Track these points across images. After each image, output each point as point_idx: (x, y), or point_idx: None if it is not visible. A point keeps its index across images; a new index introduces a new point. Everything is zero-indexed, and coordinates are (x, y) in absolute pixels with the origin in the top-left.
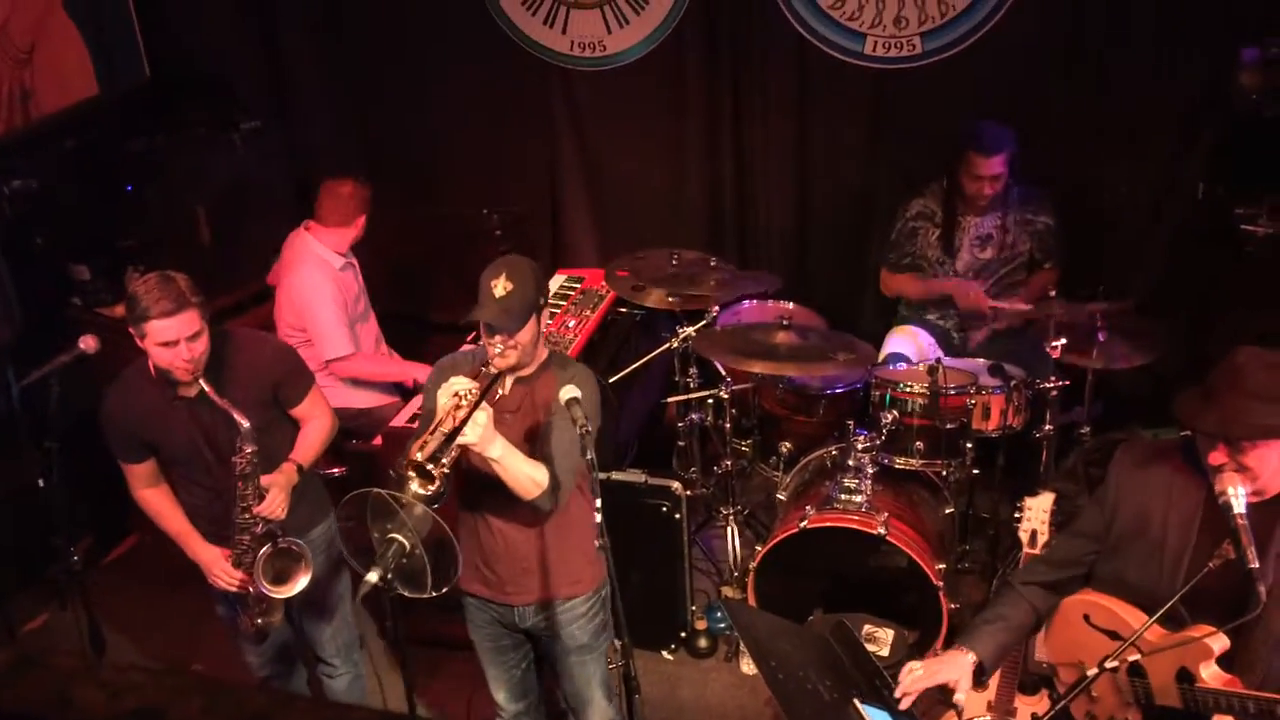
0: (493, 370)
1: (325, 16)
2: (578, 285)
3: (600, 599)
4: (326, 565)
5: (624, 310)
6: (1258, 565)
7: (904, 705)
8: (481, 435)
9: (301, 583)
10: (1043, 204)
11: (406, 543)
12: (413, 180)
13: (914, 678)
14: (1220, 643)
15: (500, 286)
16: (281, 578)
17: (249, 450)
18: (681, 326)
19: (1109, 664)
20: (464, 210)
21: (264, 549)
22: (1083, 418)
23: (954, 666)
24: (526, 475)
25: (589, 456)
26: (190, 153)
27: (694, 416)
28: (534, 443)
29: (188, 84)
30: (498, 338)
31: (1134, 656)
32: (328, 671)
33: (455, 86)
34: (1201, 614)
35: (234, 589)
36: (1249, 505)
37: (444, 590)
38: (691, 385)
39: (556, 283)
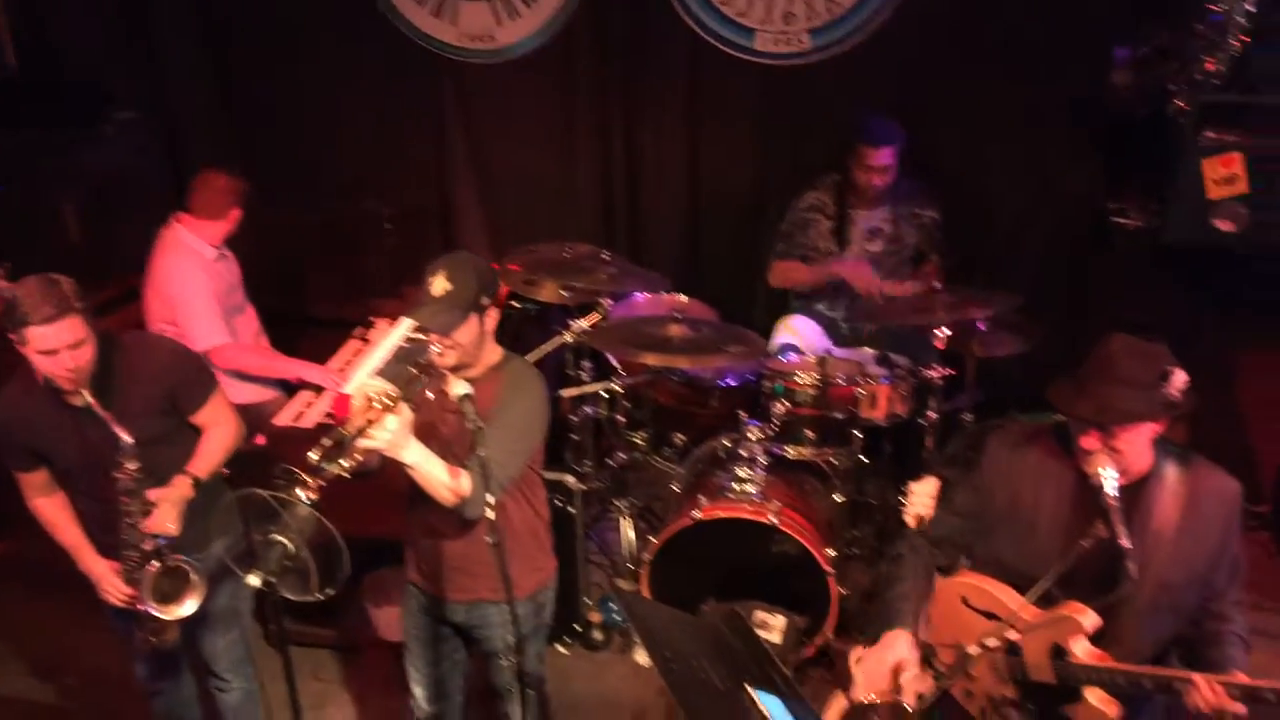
0: (417, 372)
1: (203, 4)
2: None
3: (535, 604)
4: (230, 580)
5: (517, 304)
6: (1128, 544)
7: (869, 700)
8: (390, 440)
9: (190, 604)
10: (929, 198)
11: (290, 544)
12: (297, 173)
13: (866, 669)
14: (1091, 620)
15: (438, 284)
16: (170, 596)
17: (131, 467)
18: (574, 320)
19: (989, 643)
20: (350, 203)
21: (150, 567)
22: (965, 405)
23: (897, 646)
24: (441, 483)
25: (481, 454)
26: (58, 145)
27: (587, 410)
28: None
29: (56, 74)
30: (434, 336)
31: (1011, 635)
32: (220, 685)
33: (342, 78)
34: (1073, 592)
35: (124, 605)
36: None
37: (331, 592)
38: (585, 378)
39: None
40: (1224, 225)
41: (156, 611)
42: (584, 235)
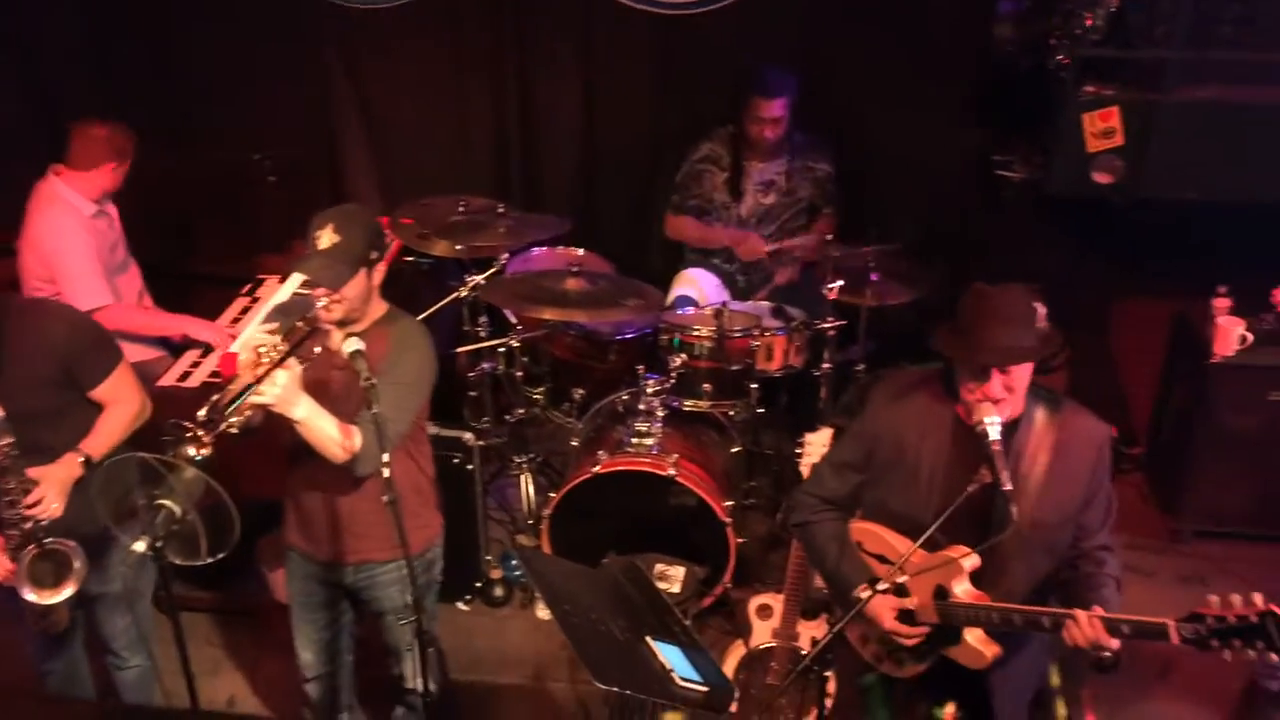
0: (304, 326)
1: None
2: None
3: (425, 561)
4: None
5: (410, 259)
6: (1010, 488)
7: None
8: (280, 395)
9: (68, 590)
10: (823, 152)
11: (177, 508)
12: (179, 124)
13: (890, 624)
14: (972, 561)
15: (326, 237)
16: (51, 580)
17: (4, 442)
18: (470, 275)
19: (880, 587)
20: (232, 155)
21: (28, 550)
22: (858, 355)
23: (876, 603)
24: (331, 438)
25: (374, 411)
26: None
27: (485, 366)
28: (363, 402)
29: None
30: (320, 290)
31: (900, 579)
32: (116, 663)
33: (224, 25)
34: (954, 534)
35: (6, 581)
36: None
37: (220, 556)
38: (482, 334)
39: None
40: (1102, 178)
41: (32, 596)
42: (478, 188)
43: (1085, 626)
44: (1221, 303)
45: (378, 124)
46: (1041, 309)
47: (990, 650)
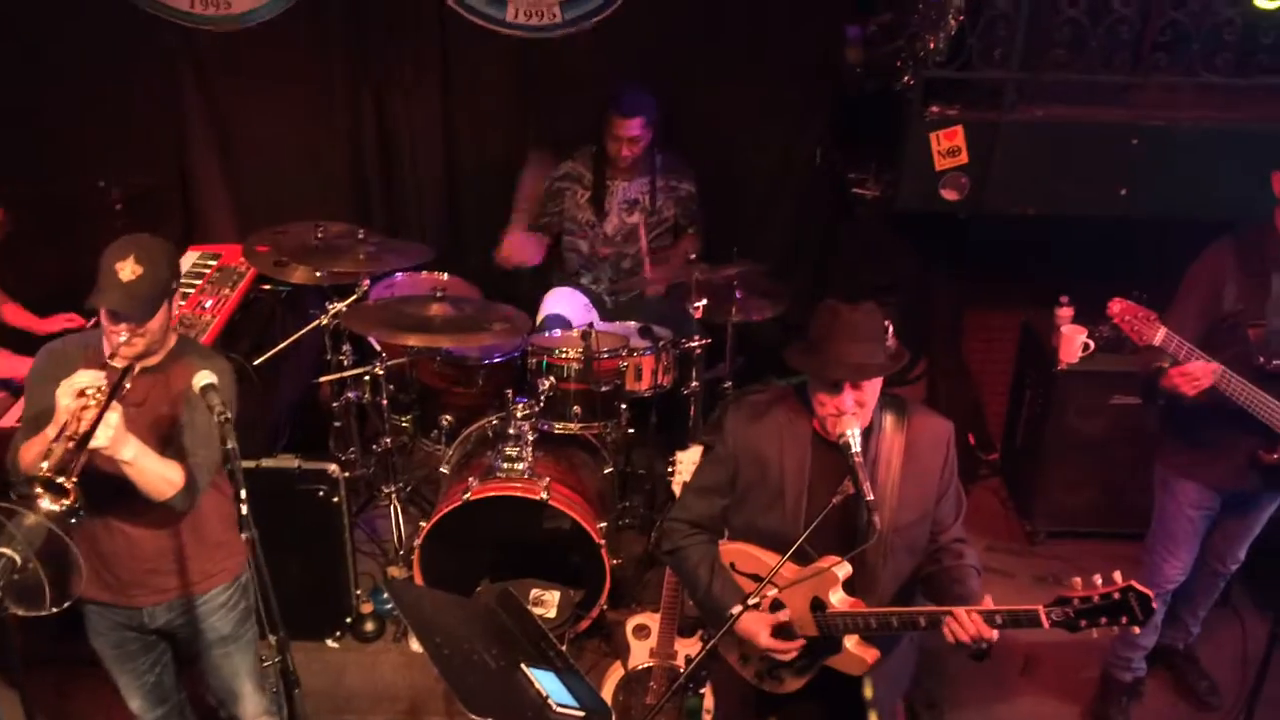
0: (119, 363)
1: None
2: (214, 262)
3: (240, 586)
4: None
5: (267, 288)
6: (873, 498)
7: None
8: (113, 438)
9: None
10: (685, 171)
11: (17, 557)
12: (15, 150)
13: (767, 641)
14: (844, 570)
15: (128, 269)
16: None
17: None
18: (331, 302)
19: (750, 601)
20: (77, 183)
21: None
22: (725, 373)
23: (750, 621)
24: (159, 475)
25: (230, 445)
26: None
27: (349, 395)
28: (166, 437)
29: None
30: (123, 326)
31: (772, 593)
32: None
33: (63, 46)
34: (822, 546)
35: None
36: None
37: (66, 605)
38: (345, 363)
39: (190, 260)
40: (949, 194)
41: None
42: (338, 213)
43: (965, 622)
44: (1064, 312)
45: (231, 149)
46: (889, 326)
47: (870, 655)
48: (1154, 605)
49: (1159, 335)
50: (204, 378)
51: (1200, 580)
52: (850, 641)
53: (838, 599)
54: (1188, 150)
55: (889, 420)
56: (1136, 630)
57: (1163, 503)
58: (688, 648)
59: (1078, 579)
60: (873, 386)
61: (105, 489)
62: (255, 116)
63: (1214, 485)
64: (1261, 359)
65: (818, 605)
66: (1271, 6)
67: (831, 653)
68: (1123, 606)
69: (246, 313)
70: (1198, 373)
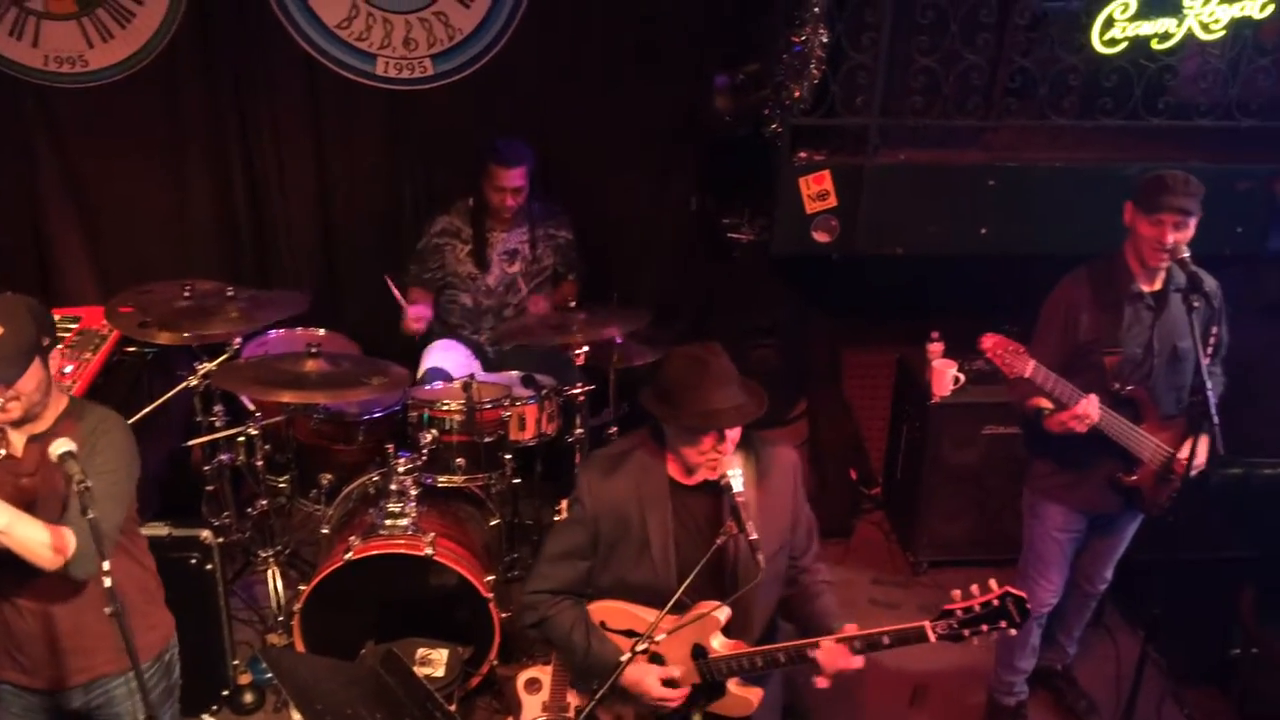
0: None
1: None
2: (74, 325)
3: (163, 664)
4: None
5: (132, 349)
6: (756, 536)
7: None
8: None
9: None
10: (562, 219)
11: None
12: None
13: (661, 692)
14: (725, 613)
15: None
16: None
17: None
18: (200, 362)
19: (639, 647)
20: None
21: None
22: (610, 418)
23: (638, 672)
24: (39, 542)
25: (90, 516)
26: None
27: (222, 457)
28: (62, 505)
29: None
30: None
31: (659, 636)
32: None
33: None
34: (696, 590)
35: None
36: (691, 485)
37: None
38: (217, 424)
39: None
40: (820, 237)
41: None
42: (206, 271)
43: (832, 651)
44: (935, 347)
45: (90, 208)
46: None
47: (754, 695)
48: (1029, 607)
49: (1029, 368)
50: (60, 445)
51: (1072, 601)
52: (733, 684)
53: (719, 643)
54: (1041, 189)
55: (740, 456)
56: (1013, 633)
57: (1031, 527)
58: (580, 700)
59: (957, 591)
60: (736, 429)
61: (5, 566)
62: (115, 175)
63: (1079, 508)
64: (1116, 385)
65: (699, 652)
66: (1111, 52)
67: (716, 698)
68: (1001, 611)
69: (110, 376)
70: (1087, 412)
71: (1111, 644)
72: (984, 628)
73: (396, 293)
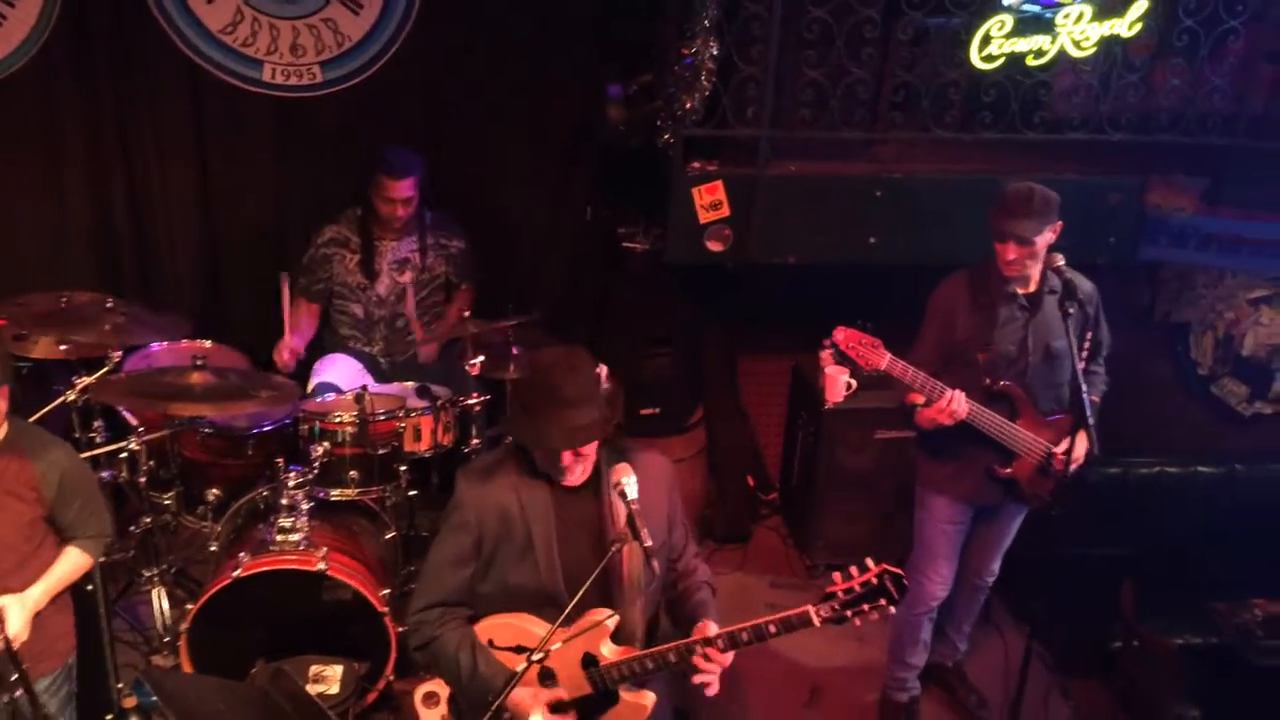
0: None
1: None
2: None
3: (66, 669)
4: None
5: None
6: (651, 543)
7: None
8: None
9: None
10: (454, 228)
11: None
12: None
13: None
14: (614, 618)
15: None
16: None
17: None
18: (79, 376)
19: (535, 657)
20: None
21: None
22: (508, 439)
23: (523, 693)
24: (70, 580)
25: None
26: None
27: (103, 474)
28: (28, 533)
29: None
30: None
31: (554, 645)
32: None
33: None
34: (582, 601)
35: None
36: (574, 486)
37: None
38: (97, 440)
39: None
40: (714, 246)
41: None
42: (84, 282)
43: (715, 655)
44: (827, 354)
45: None
46: (603, 372)
47: (646, 699)
48: (905, 582)
49: (884, 360)
50: None
51: (962, 594)
52: (625, 692)
53: (608, 650)
54: (924, 200)
55: (616, 465)
56: (892, 610)
57: (921, 520)
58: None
59: (837, 574)
60: (594, 443)
61: None
62: None
63: (963, 498)
64: (988, 380)
65: (589, 661)
66: (989, 67)
67: (609, 707)
68: (880, 590)
69: None
70: (952, 408)
71: (999, 640)
72: (865, 607)
73: (286, 304)
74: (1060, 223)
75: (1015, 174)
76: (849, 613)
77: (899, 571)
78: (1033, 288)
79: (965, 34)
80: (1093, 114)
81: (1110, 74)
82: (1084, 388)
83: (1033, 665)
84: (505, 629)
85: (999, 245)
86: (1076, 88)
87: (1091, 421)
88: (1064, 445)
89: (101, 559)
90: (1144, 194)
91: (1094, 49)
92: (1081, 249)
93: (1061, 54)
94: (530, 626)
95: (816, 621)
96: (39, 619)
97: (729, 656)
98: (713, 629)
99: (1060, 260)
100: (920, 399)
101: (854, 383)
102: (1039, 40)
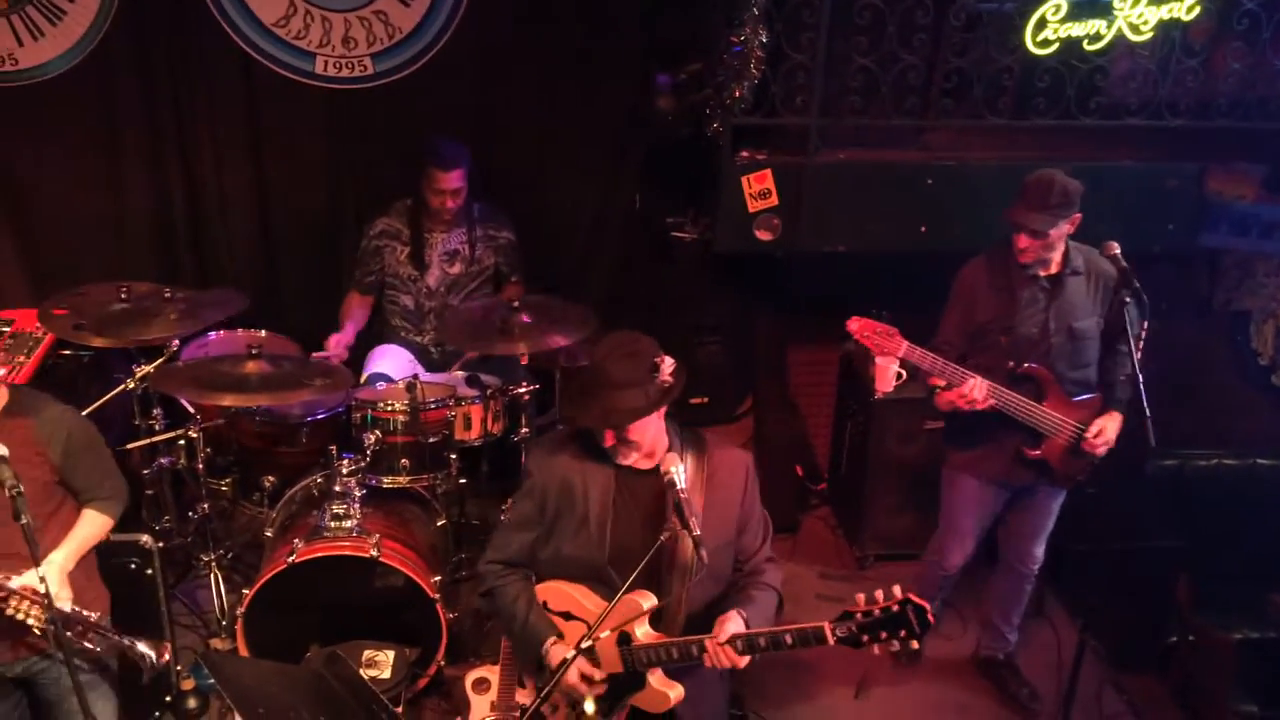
0: None
1: None
2: (6, 328)
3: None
4: None
5: (68, 352)
6: (699, 533)
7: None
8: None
9: None
10: (503, 220)
11: None
12: None
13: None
14: (651, 601)
15: None
16: None
17: None
18: (138, 365)
19: (584, 644)
20: None
21: None
22: (556, 418)
23: (571, 675)
24: (94, 540)
25: (24, 521)
26: None
27: (162, 461)
28: (45, 495)
29: None
30: None
31: (604, 633)
32: None
33: None
34: (629, 577)
35: None
36: (641, 469)
37: None
38: (156, 427)
39: None
40: (763, 235)
41: None
42: (143, 273)
43: (717, 653)
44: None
45: (21, 209)
46: (668, 364)
47: (674, 691)
48: (930, 618)
49: (901, 348)
50: None
51: (1006, 582)
52: (654, 677)
53: (643, 633)
54: (976, 188)
55: (690, 456)
56: (915, 645)
57: (948, 498)
58: (524, 697)
59: (860, 595)
60: (640, 427)
61: None
62: (47, 175)
63: (991, 480)
64: (1011, 363)
65: (624, 639)
66: (1044, 52)
67: (636, 689)
68: (901, 620)
69: (45, 379)
70: (970, 391)
71: (1052, 633)
72: (883, 635)
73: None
74: (1079, 214)
75: (1070, 161)
76: (866, 638)
77: (924, 605)
78: (1054, 269)
79: (1019, 18)
80: (1151, 99)
81: (1169, 58)
82: (1140, 378)
83: (1086, 659)
84: (559, 595)
85: (1015, 234)
86: (1134, 73)
87: (1149, 415)
88: (1095, 427)
89: (146, 538)
90: (1203, 180)
91: (1152, 33)
92: (1139, 236)
93: (1119, 38)
94: (580, 596)
95: (830, 640)
96: (70, 582)
97: (744, 659)
98: (735, 623)
99: (1116, 249)
100: (941, 381)
101: (904, 373)
102: (1095, 24)
